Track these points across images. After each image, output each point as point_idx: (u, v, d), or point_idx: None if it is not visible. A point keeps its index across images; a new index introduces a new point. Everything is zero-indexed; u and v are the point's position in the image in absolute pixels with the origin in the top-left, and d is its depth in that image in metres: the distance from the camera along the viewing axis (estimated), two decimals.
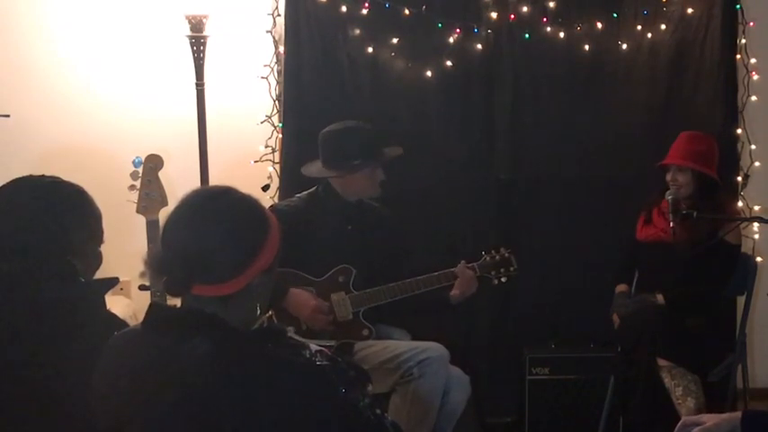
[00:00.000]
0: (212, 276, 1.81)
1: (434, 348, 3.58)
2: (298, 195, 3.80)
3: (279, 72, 4.40)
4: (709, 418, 2.17)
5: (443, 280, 3.68)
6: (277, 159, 4.44)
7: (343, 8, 4.35)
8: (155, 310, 1.90)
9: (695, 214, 3.86)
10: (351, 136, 3.65)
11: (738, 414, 2.16)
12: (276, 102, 4.41)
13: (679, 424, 2.24)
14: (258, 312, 1.91)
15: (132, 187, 3.21)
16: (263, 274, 1.86)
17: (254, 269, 1.83)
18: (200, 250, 1.80)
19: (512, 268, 3.77)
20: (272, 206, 3.87)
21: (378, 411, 1.87)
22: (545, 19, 4.42)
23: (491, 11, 4.40)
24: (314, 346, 1.84)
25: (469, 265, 3.71)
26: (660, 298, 3.94)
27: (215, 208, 1.86)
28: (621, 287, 4.18)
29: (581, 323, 4.41)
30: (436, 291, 3.66)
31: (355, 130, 3.67)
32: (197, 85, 4.11)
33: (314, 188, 3.78)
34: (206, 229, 1.82)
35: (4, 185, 2.40)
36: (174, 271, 1.80)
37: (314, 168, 3.74)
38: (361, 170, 3.64)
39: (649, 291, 4.01)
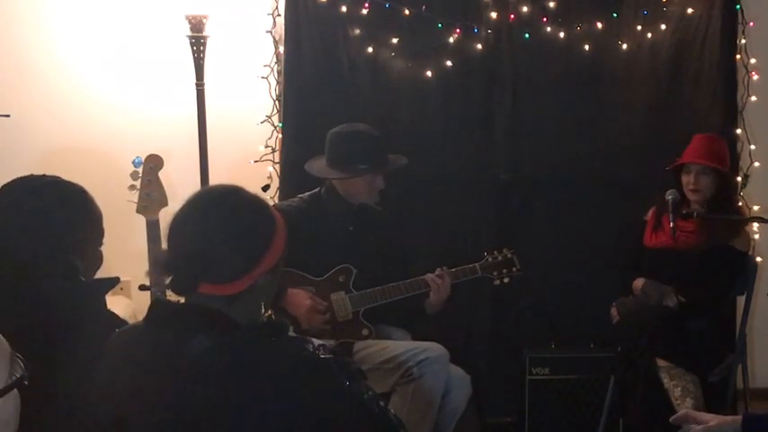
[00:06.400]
0: (219, 276, 1.81)
1: (434, 348, 3.57)
2: (300, 196, 3.80)
3: (279, 72, 4.38)
4: (712, 418, 2.17)
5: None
6: (277, 159, 4.42)
7: (343, 8, 4.33)
8: (157, 306, 1.89)
9: (695, 214, 3.85)
10: (359, 140, 3.65)
11: (739, 417, 2.15)
12: (276, 102, 4.40)
13: (681, 413, 2.25)
14: (263, 310, 1.95)
15: (132, 187, 3.20)
16: (269, 274, 1.87)
17: (261, 269, 1.84)
18: (208, 251, 1.80)
19: (514, 269, 3.78)
20: (273, 206, 3.82)
21: (381, 404, 1.88)
22: (545, 19, 4.42)
23: (491, 11, 4.40)
24: (316, 341, 1.84)
25: (443, 271, 3.69)
26: (673, 296, 3.89)
27: (223, 209, 1.86)
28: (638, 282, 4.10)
29: (581, 323, 4.38)
30: (413, 299, 3.67)
31: (364, 134, 3.66)
32: (197, 85, 4.10)
33: (316, 189, 3.78)
34: (214, 230, 1.82)
35: (4, 185, 2.39)
36: (181, 271, 1.81)
37: (317, 167, 3.72)
38: (363, 175, 3.65)
39: None
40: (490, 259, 3.77)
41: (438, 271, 3.68)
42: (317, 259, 3.62)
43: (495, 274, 3.76)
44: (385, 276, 3.68)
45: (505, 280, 3.78)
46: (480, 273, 3.74)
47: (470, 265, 3.74)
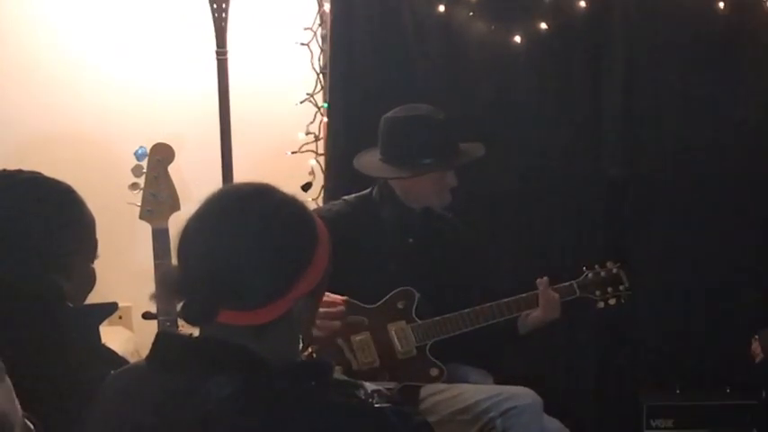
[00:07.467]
0: (245, 302, 1.63)
1: (523, 395, 3.22)
2: (344, 198, 3.48)
3: (324, 37, 3.96)
4: None
5: (532, 304, 3.37)
6: (321, 150, 4.02)
7: None
8: (164, 340, 1.73)
9: None
10: (421, 127, 3.29)
11: None
12: (320, 76, 3.98)
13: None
14: (300, 345, 1.78)
15: (134, 186, 2.91)
16: (308, 298, 1.68)
17: (298, 292, 1.65)
18: (231, 269, 1.62)
19: (622, 287, 3.47)
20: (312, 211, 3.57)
21: None
22: None
23: None
24: (370, 386, 1.67)
25: (555, 286, 3.42)
26: None
27: (250, 215, 1.67)
28: None
29: (713, 361, 4.04)
30: (499, 326, 3.40)
31: (426, 119, 3.31)
32: (218, 53, 3.69)
33: (367, 190, 3.46)
34: (238, 242, 1.63)
35: None
36: (196, 294, 1.62)
37: (369, 163, 3.41)
38: (430, 172, 3.31)
39: None
40: (590, 275, 3.46)
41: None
42: (368, 280, 3.26)
43: (597, 294, 3.45)
44: (455, 300, 3.34)
45: (611, 301, 3.46)
46: (578, 293, 3.42)
47: (566, 284, 3.42)
